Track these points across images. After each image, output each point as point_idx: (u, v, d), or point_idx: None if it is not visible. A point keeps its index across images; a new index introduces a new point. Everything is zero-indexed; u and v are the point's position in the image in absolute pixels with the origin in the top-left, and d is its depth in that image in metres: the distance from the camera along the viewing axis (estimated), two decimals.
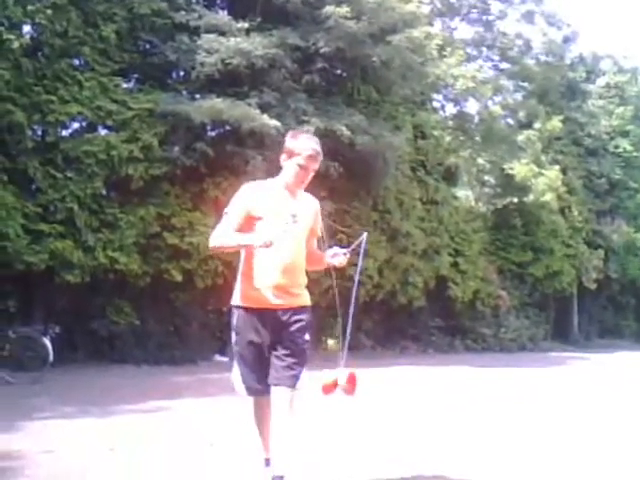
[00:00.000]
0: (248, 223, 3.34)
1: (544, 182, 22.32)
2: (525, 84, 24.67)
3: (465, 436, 5.49)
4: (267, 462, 3.41)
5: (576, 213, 24.62)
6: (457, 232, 19.56)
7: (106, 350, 11.46)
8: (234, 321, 3.39)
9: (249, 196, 3.39)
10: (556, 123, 24.15)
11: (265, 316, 3.32)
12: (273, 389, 3.28)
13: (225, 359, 12.75)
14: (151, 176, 11.99)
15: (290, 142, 3.42)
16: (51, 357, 9.23)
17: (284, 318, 3.34)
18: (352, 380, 3.38)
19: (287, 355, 3.30)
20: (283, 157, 3.44)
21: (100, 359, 10.96)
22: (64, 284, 11.09)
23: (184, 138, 12.44)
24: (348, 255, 3.43)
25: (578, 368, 13.69)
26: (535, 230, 22.34)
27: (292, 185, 3.42)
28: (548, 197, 22.36)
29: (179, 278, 12.22)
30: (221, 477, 3.91)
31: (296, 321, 3.36)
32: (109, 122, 12.10)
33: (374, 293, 15.95)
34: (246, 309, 3.34)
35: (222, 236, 3.33)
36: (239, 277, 3.43)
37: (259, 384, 3.33)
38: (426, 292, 17.97)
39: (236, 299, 3.40)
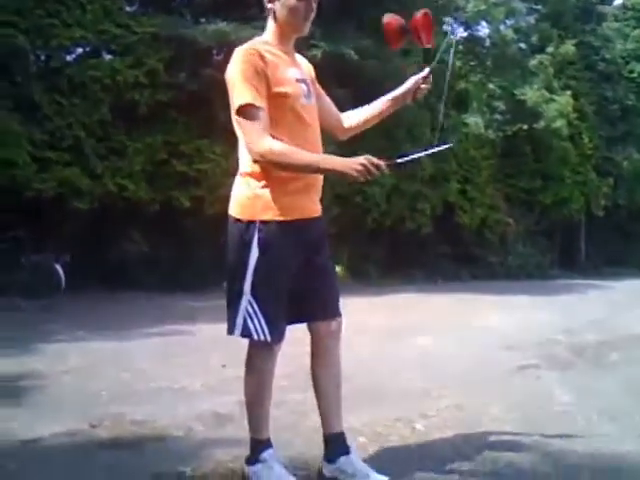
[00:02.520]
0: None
1: (555, 108, 21.93)
2: (538, 7, 23.97)
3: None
4: (270, 443, 2.54)
5: (587, 140, 24.29)
6: (466, 159, 19.40)
7: (117, 277, 11.61)
8: (256, 241, 2.37)
9: (263, 64, 2.35)
10: (569, 47, 23.57)
11: (303, 231, 2.46)
12: (321, 325, 2.56)
13: None
14: (157, 102, 11.88)
15: None
16: (63, 284, 9.38)
17: (321, 230, 2.60)
18: (425, 21, 2.56)
19: (331, 276, 2.65)
20: None
21: (111, 286, 11.12)
22: (74, 212, 11.17)
23: (190, 63, 12.25)
24: (430, 80, 2.72)
25: (582, 295, 13.83)
26: (544, 157, 22.11)
27: (291, 32, 2.46)
28: (559, 124, 22.01)
29: (187, 205, 12.25)
30: (237, 392, 4.03)
31: (324, 233, 2.65)
32: (113, 47, 11.93)
33: (381, 220, 16.00)
34: (279, 223, 2.38)
35: (290, 151, 2.33)
36: (253, 180, 2.43)
37: (284, 326, 2.47)
38: (434, 219, 17.99)
39: (257, 210, 2.40)
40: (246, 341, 2.49)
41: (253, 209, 2.41)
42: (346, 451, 2.55)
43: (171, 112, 12.27)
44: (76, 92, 11.24)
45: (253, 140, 2.32)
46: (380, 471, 2.56)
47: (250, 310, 2.38)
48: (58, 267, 9.51)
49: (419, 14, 2.56)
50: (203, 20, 12.58)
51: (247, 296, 2.38)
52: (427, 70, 2.72)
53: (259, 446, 2.51)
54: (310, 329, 2.60)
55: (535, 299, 12.08)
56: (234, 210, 2.49)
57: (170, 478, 2.65)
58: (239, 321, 2.40)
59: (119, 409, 3.63)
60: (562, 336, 6.99)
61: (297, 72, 2.48)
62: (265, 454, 2.49)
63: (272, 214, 2.38)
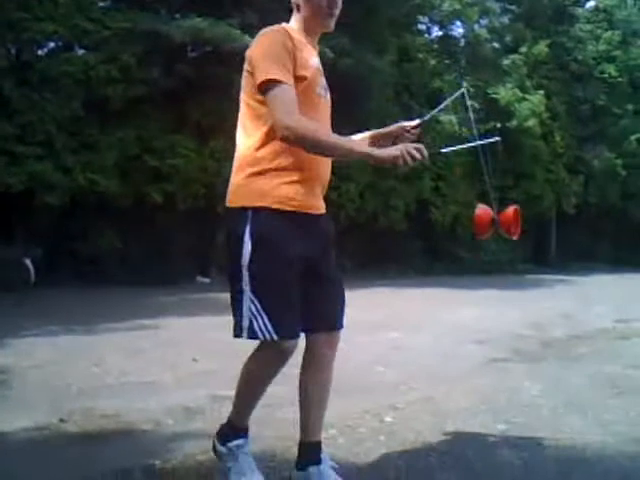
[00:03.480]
0: None
1: (528, 107, 22.21)
2: (512, 7, 24.22)
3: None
4: (245, 433, 2.46)
5: (558, 139, 24.63)
6: (440, 157, 19.54)
7: (88, 272, 11.53)
8: (248, 233, 2.19)
9: (291, 44, 2.22)
10: (542, 47, 23.88)
11: (302, 225, 2.27)
12: (319, 337, 2.39)
13: (206, 280, 12.93)
14: (130, 98, 11.81)
15: None
16: (33, 278, 9.30)
17: (325, 231, 2.42)
18: (516, 216, 2.60)
19: (337, 283, 2.46)
20: None
21: (82, 281, 11.03)
22: (44, 206, 11.06)
23: (164, 59, 12.18)
24: (417, 132, 2.61)
25: (552, 290, 14.02)
26: (517, 155, 22.38)
27: (315, 26, 2.38)
28: (531, 122, 22.30)
29: (160, 200, 12.19)
30: (207, 386, 4.03)
31: (330, 236, 2.47)
32: (86, 42, 11.86)
33: (355, 216, 16.06)
34: (273, 212, 2.20)
35: (320, 127, 2.22)
36: (249, 166, 2.25)
37: (297, 324, 2.25)
38: (407, 216, 18.11)
39: (249, 196, 2.22)
40: (221, 336, 2.47)
41: (245, 195, 2.23)
42: (318, 461, 2.41)
43: (144, 107, 12.21)
44: (48, 86, 11.14)
45: (282, 113, 2.11)
46: (349, 463, 2.58)
47: (253, 309, 2.18)
48: (28, 261, 9.43)
49: (511, 210, 2.61)
50: (178, 16, 12.50)
51: (247, 294, 2.20)
52: (417, 121, 2.63)
53: (231, 432, 2.43)
54: (307, 339, 2.41)
55: (506, 294, 12.23)
56: (228, 198, 2.30)
57: (139, 471, 2.64)
58: (245, 323, 2.20)
59: (89, 403, 3.61)
60: (532, 330, 7.10)
61: (318, 62, 2.37)
62: (234, 443, 2.41)
63: (265, 201, 2.19)
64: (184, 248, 13.15)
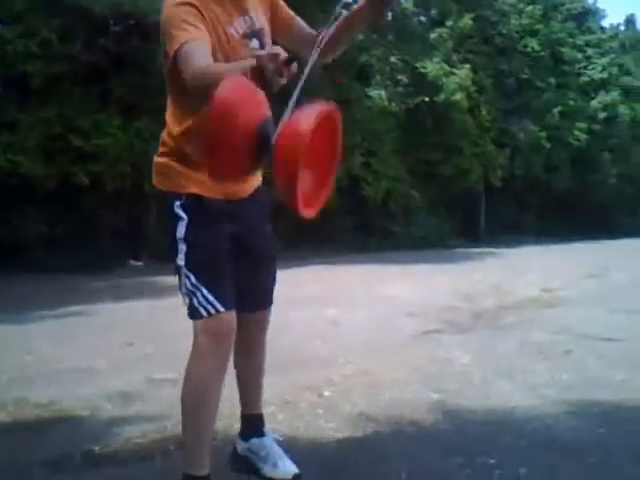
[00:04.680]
0: None
1: (455, 81, 22.59)
2: None
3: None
4: None
5: (485, 112, 25.18)
6: (370, 132, 19.70)
7: (14, 258, 11.15)
8: (181, 209, 2.10)
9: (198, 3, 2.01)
10: (467, 21, 24.26)
11: (234, 208, 2.19)
12: (250, 316, 2.28)
13: (139, 263, 12.72)
14: (51, 74, 11.40)
15: None
16: None
17: (255, 210, 2.31)
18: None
19: (269, 262, 2.38)
20: None
21: (8, 268, 10.65)
22: None
23: (85, 33, 11.79)
24: None
25: (481, 262, 14.44)
26: (445, 130, 22.78)
27: None
28: (458, 96, 22.71)
29: (86, 181, 11.88)
30: (144, 370, 4.00)
31: (263, 214, 2.36)
32: (0, 15, 11.30)
33: None
34: (200, 197, 2.11)
35: (208, 67, 1.89)
36: (167, 147, 2.16)
37: (232, 295, 2.12)
38: (339, 192, 18.21)
39: (175, 182, 2.13)
40: (155, 320, 2.42)
41: (168, 179, 2.14)
42: (260, 434, 2.39)
43: (66, 84, 11.81)
44: None
45: (186, 69, 1.89)
46: (290, 438, 2.62)
47: (189, 285, 2.05)
48: None
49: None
50: None
51: (184, 271, 2.08)
52: None
53: None
54: (237, 320, 2.19)
55: (437, 267, 12.52)
56: (155, 179, 2.20)
57: (78, 457, 2.62)
58: (187, 301, 2.08)
59: (22, 393, 3.53)
60: (462, 302, 7.31)
61: (243, 23, 2.12)
62: None
63: (191, 187, 2.10)
64: (114, 231, 12.88)
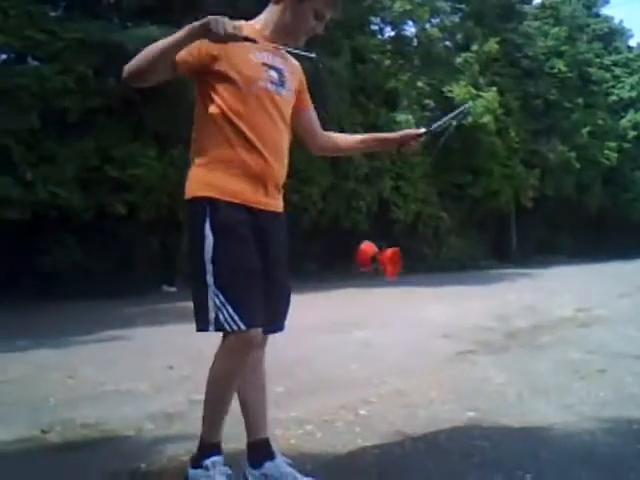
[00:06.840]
0: (202, 64, 2.24)
1: (482, 104, 22.64)
2: (462, 6, 24.67)
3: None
4: (219, 449, 2.37)
5: (513, 134, 25.16)
6: (399, 156, 19.80)
7: (52, 287, 11.41)
8: (208, 224, 2.20)
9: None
10: (493, 45, 24.36)
11: (252, 218, 2.26)
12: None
13: (172, 289, 12.91)
14: (87, 108, 11.74)
15: None
16: None
17: (276, 229, 2.38)
18: (394, 258, 2.87)
19: (285, 288, 2.45)
20: None
21: (46, 296, 10.90)
22: (5, 222, 10.91)
23: (119, 68, 12.10)
24: (421, 140, 2.58)
25: (514, 283, 14.34)
26: (474, 152, 22.80)
27: (285, 34, 2.34)
28: (486, 119, 22.74)
29: (123, 211, 12.15)
30: (184, 392, 4.09)
31: (282, 237, 2.44)
32: (39, 53, 11.72)
33: (318, 219, 16.20)
34: (227, 203, 2.22)
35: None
36: (198, 157, 2.30)
37: (260, 311, 2.23)
38: (369, 216, 18.33)
39: (202, 186, 2.25)
40: (192, 343, 2.48)
41: (199, 184, 2.25)
42: (272, 456, 2.42)
43: (101, 118, 12.14)
44: (2, 100, 10.99)
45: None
46: (328, 455, 2.68)
47: (217, 303, 2.15)
48: None
49: (390, 252, 2.89)
50: (130, 24, 12.46)
51: (212, 288, 2.17)
52: (423, 130, 2.61)
53: (206, 450, 2.33)
54: None
55: (469, 289, 12.49)
56: (185, 192, 2.30)
57: (125, 475, 2.71)
58: (211, 316, 2.17)
59: (68, 414, 3.65)
60: (496, 322, 7.32)
61: (269, 57, 2.33)
62: (209, 461, 2.31)
63: (217, 192, 2.21)
64: (148, 258, 13.11)
